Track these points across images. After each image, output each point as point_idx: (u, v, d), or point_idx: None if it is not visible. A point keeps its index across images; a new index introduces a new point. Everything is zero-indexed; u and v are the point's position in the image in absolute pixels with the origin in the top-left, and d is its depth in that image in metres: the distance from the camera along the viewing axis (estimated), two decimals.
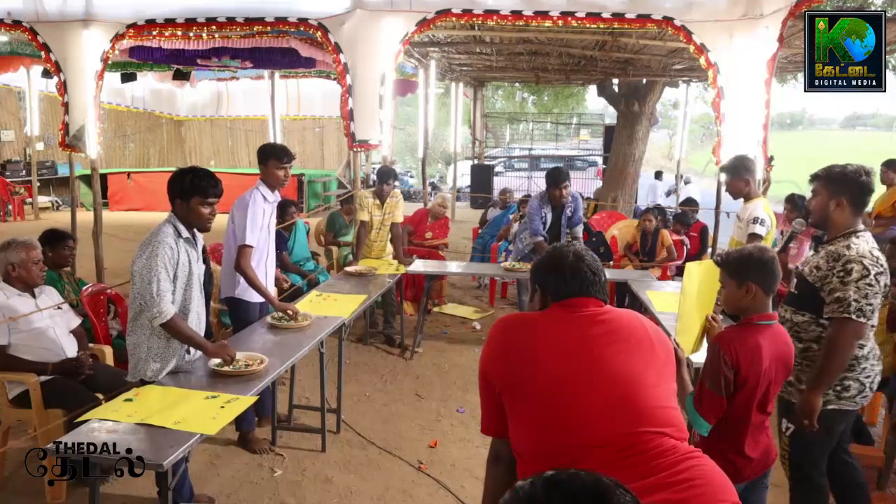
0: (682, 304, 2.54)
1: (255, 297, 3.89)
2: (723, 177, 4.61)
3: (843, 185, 2.55)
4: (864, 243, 2.50)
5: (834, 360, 2.46)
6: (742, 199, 4.28)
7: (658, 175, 14.17)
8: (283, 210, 6.08)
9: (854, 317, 2.41)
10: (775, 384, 2.20)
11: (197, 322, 3.05)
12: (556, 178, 5.38)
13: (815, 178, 2.67)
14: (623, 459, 1.48)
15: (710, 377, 2.14)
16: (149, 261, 2.78)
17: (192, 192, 2.88)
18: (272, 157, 3.90)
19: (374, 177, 6.25)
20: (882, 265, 2.47)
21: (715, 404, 2.12)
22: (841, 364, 2.48)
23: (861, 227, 2.57)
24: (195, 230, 3.00)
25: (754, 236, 4.03)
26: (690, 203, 8.07)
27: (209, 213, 2.94)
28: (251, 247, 3.79)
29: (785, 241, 3.36)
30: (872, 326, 2.55)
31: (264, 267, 3.99)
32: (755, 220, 4.08)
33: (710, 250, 7.00)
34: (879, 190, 6.74)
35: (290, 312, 3.79)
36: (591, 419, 1.53)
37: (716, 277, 2.35)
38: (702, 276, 2.48)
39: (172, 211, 2.95)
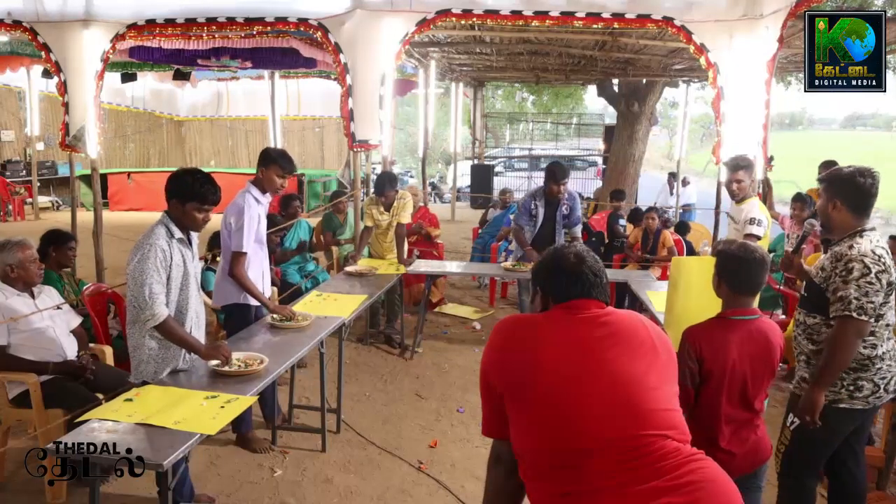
0: (672, 297, 2.55)
1: (254, 301, 3.82)
2: (723, 173, 4.61)
3: (838, 187, 2.59)
4: (868, 242, 2.51)
5: (836, 358, 2.47)
6: (733, 200, 4.32)
7: (672, 177, 13.88)
8: (287, 203, 6.05)
9: (855, 315, 2.42)
10: (754, 381, 2.24)
11: (196, 320, 3.04)
12: (556, 175, 5.28)
13: (819, 181, 2.76)
14: (626, 462, 1.48)
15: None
16: (140, 264, 2.77)
17: (191, 196, 2.87)
18: (276, 163, 3.79)
19: (374, 178, 6.23)
20: (884, 264, 2.47)
21: (682, 394, 2.16)
22: (843, 362, 2.49)
23: (868, 226, 2.57)
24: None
25: (752, 237, 4.05)
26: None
27: (203, 218, 2.95)
28: (245, 253, 3.69)
29: (798, 242, 3.34)
30: (888, 326, 2.55)
31: (260, 269, 3.92)
32: (752, 221, 4.12)
33: (707, 248, 7.00)
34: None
35: (286, 314, 3.77)
36: (592, 422, 1.52)
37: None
38: (701, 272, 2.49)
39: (166, 210, 2.94)
